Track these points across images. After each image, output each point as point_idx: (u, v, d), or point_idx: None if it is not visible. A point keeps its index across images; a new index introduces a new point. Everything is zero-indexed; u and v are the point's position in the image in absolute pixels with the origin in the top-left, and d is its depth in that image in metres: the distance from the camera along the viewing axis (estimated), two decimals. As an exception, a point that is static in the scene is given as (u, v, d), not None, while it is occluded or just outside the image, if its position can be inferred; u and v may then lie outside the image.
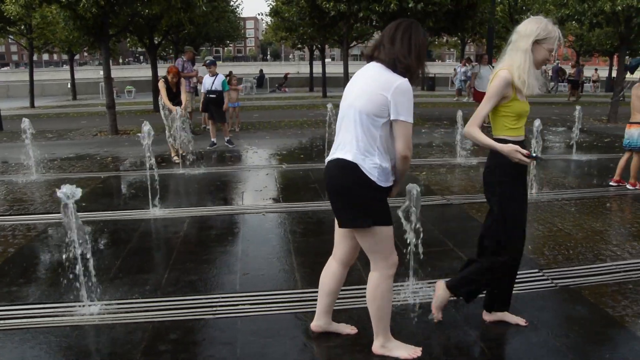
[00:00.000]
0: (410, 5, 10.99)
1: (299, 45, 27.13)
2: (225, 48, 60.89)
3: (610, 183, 7.58)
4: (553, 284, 4.31)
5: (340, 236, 3.25)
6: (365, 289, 3.17)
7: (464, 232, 5.64)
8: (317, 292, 4.08)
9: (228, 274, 4.50)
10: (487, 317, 3.66)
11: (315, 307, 3.51)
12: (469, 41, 28.49)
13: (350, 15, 12.23)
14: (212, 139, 10.59)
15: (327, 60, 30.48)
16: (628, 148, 7.34)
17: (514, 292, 3.97)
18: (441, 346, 3.36)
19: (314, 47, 25.82)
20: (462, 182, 7.90)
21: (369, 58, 2.98)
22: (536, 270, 4.54)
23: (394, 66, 2.84)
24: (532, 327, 3.59)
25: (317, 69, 27.04)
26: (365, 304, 3.17)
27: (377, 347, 3.23)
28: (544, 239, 5.43)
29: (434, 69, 42.81)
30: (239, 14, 27.85)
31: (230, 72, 26.18)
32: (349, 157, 2.90)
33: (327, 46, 28.10)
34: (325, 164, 3.09)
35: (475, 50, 55.70)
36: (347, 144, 2.93)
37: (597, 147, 11.22)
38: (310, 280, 4.35)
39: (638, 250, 5.11)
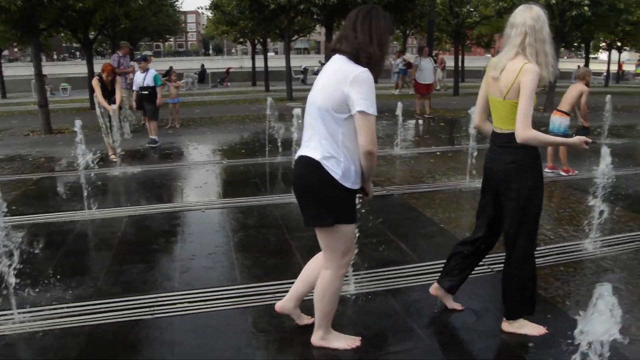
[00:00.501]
0: (350, -2, 11.05)
1: (241, 39, 26.86)
2: (166, 43, 59.76)
3: (545, 170, 7.85)
4: (489, 269, 4.42)
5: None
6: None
7: (404, 222, 5.72)
8: (257, 286, 4.09)
9: (167, 273, 4.40)
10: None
11: (256, 302, 3.52)
12: (410, 34, 28.95)
13: (290, 8, 12.17)
14: (152, 136, 10.33)
15: (270, 54, 30.36)
16: (551, 134, 7.63)
17: (473, 276, 4.06)
18: (380, 335, 3.39)
19: (256, 41, 25.60)
20: (402, 173, 8.01)
21: (333, 51, 2.87)
22: (498, 254, 4.63)
23: (357, 57, 2.74)
24: (471, 312, 3.68)
25: (260, 63, 26.83)
26: (307, 296, 3.17)
27: (316, 339, 3.23)
28: (481, 226, 5.55)
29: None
30: (178, 7, 27.28)
31: (171, 68, 25.67)
32: (313, 154, 2.84)
33: (269, 40, 27.95)
34: (294, 160, 3.04)
35: (418, 43, 56.52)
36: (312, 142, 2.87)
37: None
38: (251, 275, 4.32)
39: (570, 234, 5.32)
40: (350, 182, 2.83)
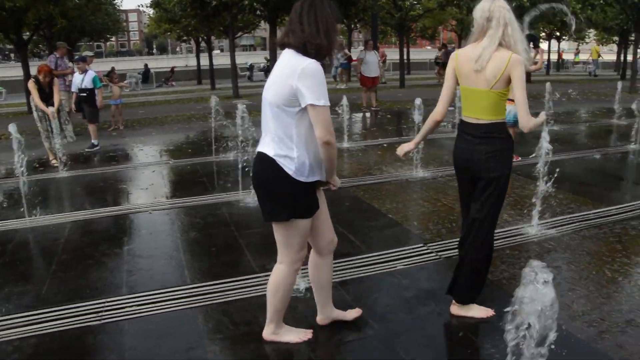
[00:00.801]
0: (292, -7, 10.98)
1: (185, 38, 26.41)
2: (107, 43, 58.10)
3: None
4: (437, 256, 4.53)
5: None
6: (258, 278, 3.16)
7: (352, 214, 5.78)
8: (207, 285, 4.06)
9: (114, 277, 4.31)
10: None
11: (207, 301, 3.54)
12: (355, 28, 29.13)
13: (233, 5, 12.05)
14: (92, 140, 10.02)
15: (216, 51, 30.02)
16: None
17: (401, 267, 4.16)
18: (332, 326, 3.42)
19: (200, 39, 25.24)
20: (350, 165, 8.08)
21: (281, 46, 2.84)
22: (421, 245, 4.75)
23: (305, 50, 2.71)
24: (419, 298, 3.77)
25: (205, 61, 26.45)
26: (257, 292, 3.17)
27: (268, 334, 3.24)
28: (429, 214, 5.69)
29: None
30: (118, 5, 26.59)
31: (112, 68, 25.05)
32: (267, 150, 2.84)
33: (213, 37, 27.59)
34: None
35: (363, 37, 57.03)
36: (267, 137, 2.87)
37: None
38: (200, 275, 4.28)
39: (514, 218, 5.50)
40: (305, 176, 2.82)
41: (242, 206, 6.09)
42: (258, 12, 12.73)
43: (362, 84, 14.64)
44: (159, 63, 49.24)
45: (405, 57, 26.34)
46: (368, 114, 13.88)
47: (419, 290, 3.90)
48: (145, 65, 31.67)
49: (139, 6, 24.69)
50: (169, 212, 6.01)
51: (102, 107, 10.52)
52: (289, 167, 2.79)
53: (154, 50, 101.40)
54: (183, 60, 51.03)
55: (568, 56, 46.11)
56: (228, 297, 3.86)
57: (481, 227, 3.31)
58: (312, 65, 2.67)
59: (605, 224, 5.28)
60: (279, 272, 3.08)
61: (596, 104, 16.25)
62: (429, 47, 50.65)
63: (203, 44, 27.37)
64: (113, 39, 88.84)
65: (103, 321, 3.58)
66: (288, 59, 2.77)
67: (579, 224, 5.28)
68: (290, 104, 2.72)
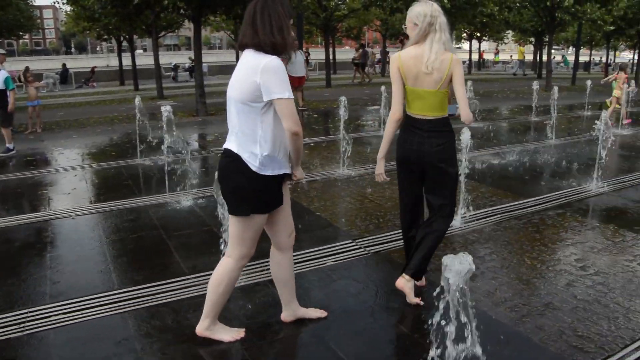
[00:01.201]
0: (216, -7, 10.92)
1: (105, 37, 25.50)
2: (20, 40, 55.11)
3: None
4: (366, 252, 4.65)
5: (267, 225, 3.20)
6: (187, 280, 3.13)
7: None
8: (135, 289, 3.99)
9: (36, 286, 4.13)
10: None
11: (135, 305, 3.49)
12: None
13: (155, 3, 11.79)
14: (7, 145, 9.51)
15: (139, 51, 29.13)
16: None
17: (331, 263, 4.24)
18: (264, 325, 3.47)
19: (122, 38, 24.45)
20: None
21: (240, 46, 2.94)
22: (350, 241, 4.86)
23: (262, 48, 2.80)
24: (349, 292, 3.86)
25: (128, 61, 25.65)
26: (187, 294, 3.14)
27: (202, 329, 3.25)
28: (357, 211, 5.81)
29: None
30: (31, 1, 25.30)
31: (27, 68, 23.77)
32: (232, 147, 2.92)
33: (136, 36, 26.82)
34: None
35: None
36: (232, 134, 2.95)
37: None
38: (128, 279, 4.20)
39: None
40: (271, 170, 2.91)
41: (170, 208, 6.00)
42: (182, 11, 12.45)
43: (288, 84, 14.65)
44: (78, 63, 47.31)
45: (331, 57, 26.62)
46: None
47: (348, 284, 4.00)
48: (64, 65, 30.30)
49: (54, 2, 23.41)
50: (93, 216, 5.82)
51: (13, 110, 9.86)
52: (253, 163, 2.86)
53: (72, 49, 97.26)
54: (104, 60, 49.31)
55: (488, 56, 48.12)
56: (157, 300, 3.81)
57: (448, 209, 3.61)
58: (273, 61, 2.77)
59: (524, 215, 5.60)
60: (225, 265, 3.13)
61: (515, 102, 17.09)
62: (347, 47, 51.21)
63: (125, 43, 26.56)
64: (26, 36, 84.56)
65: (26, 332, 3.45)
66: (249, 58, 2.85)
67: (500, 216, 5.57)
68: (255, 100, 2.80)
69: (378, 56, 34.34)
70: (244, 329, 3.34)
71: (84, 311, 3.69)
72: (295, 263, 4.32)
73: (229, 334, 3.27)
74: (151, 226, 5.42)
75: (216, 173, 3.11)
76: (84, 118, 13.93)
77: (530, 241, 4.87)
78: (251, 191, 2.93)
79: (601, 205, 6.06)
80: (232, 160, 2.92)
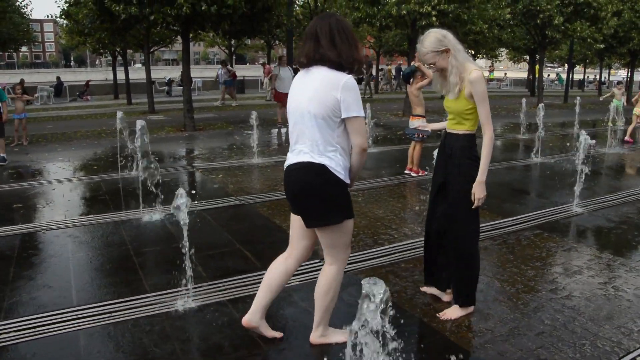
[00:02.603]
0: (203, 8, 10.88)
1: (101, 51, 25.51)
2: (21, 54, 55.36)
3: (405, 171, 8.29)
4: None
5: (299, 236, 3.32)
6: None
7: (251, 231, 5.74)
8: (94, 307, 3.87)
9: (-8, 304, 4.03)
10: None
11: (92, 323, 3.42)
12: (275, 43, 29.24)
13: (143, 19, 11.77)
14: (1, 154, 9.47)
15: (137, 65, 29.15)
16: (410, 138, 8.12)
17: (296, 283, 4.14)
18: (218, 346, 3.36)
19: (116, 52, 24.46)
20: (257, 182, 8.04)
21: (313, 62, 2.96)
22: (317, 260, 4.74)
23: (341, 66, 2.91)
24: (308, 313, 3.74)
25: (123, 75, 25.59)
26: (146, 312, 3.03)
27: (316, 337, 3.33)
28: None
29: (244, 71, 43.23)
30: (27, 15, 25.31)
31: (21, 81, 23.78)
32: (311, 159, 2.97)
33: (132, 51, 26.82)
34: (285, 170, 3.14)
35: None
36: (308, 148, 2.99)
37: (390, 140, 12.19)
38: (89, 296, 4.09)
39: (414, 232, 5.61)
40: (347, 178, 3.05)
41: (141, 224, 5.90)
42: (170, 26, 12.44)
43: (276, 100, 14.67)
44: (76, 76, 47.46)
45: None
46: (284, 130, 13.90)
47: (309, 305, 3.88)
48: (58, 78, 30.30)
49: (47, 15, 23.37)
50: (65, 231, 5.72)
51: (6, 121, 9.92)
52: (339, 171, 2.97)
53: (72, 63, 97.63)
54: (103, 73, 49.42)
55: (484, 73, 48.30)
56: (116, 319, 3.71)
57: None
58: (351, 80, 2.92)
59: (499, 236, 5.51)
60: (330, 273, 3.18)
61: (505, 119, 17.07)
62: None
63: (121, 58, 26.58)
64: (25, 50, 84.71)
65: (-26, 351, 3.34)
66: (324, 73, 2.93)
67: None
68: (335, 115, 2.90)
69: (393, 72, 34.66)
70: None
71: (37, 329, 3.59)
72: (259, 282, 4.24)
73: (342, 335, 3.30)
74: (120, 242, 5.32)
75: (288, 187, 3.13)
76: (72, 131, 13.87)
77: (503, 263, 4.77)
78: (341, 197, 3.04)
79: (580, 225, 5.98)
80: (317, 170, 2.96)
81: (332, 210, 3.04)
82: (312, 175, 2.99)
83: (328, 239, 3.13)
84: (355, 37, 3.02)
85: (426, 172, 8.21)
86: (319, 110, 2.91)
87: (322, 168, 2.96)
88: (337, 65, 2.92)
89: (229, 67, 22.94)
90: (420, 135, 3.91)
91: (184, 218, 3.82)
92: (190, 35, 13.72)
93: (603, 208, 6.60)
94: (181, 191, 3.81)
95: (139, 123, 6.19)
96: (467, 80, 3.41)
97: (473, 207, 3.52)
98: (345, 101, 2.87)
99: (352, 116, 2.90)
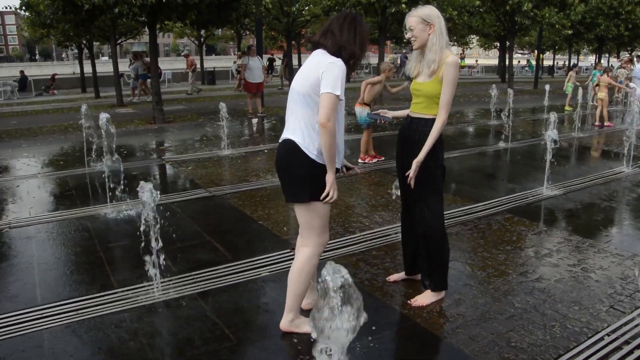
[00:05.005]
0: (169, -2, 10.67)
1: (66, 43, 24.90)
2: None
3: (359, 160, 8.26)
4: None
5: None
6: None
7: (222, 222, 5.66)
8: (61, 304, 3.76)
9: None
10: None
11: (57, 321, 3.35)
12: (244, 34, 28.93)
13: (107, 9, 11.48)
14: None
15: (104, 58, 28.53)
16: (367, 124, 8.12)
17: (266, 274, 4.08)
18: (186, 339, 3.29)
19: (82, 45, 23.91)
20: (228, 173, 7.93)
21: (315, 45, 3.08)
22: (288, 250, 4.69)
23: (339, 53, 2.98)
24: (278, 304, 3.67)
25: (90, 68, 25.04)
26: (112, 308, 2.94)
27: (286, 324, 3.27)
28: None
29: (214, 62, 42.72)
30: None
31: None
32: (290, 135, 3.04)
33: (97, 43, 26.26)
34: None
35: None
36: (291, 124, 3.07)
37: (356, 129, 12.16)
38: (53, 294, 3.97)
39: (384, 219, 5.59)
40: (322, 160, 3.00)
41: (108, 219, 5.76)
42: (136, 17, 12.15)
43: (246, 90, 14.52)
44: (42, 70, 46.34)
45: (296, 62, 26.53)
46: (255, 120, 13.78)
47: (279, 296, 3.82)
48: (22, 72, 29.51)
49: (5, 7, 22.59)
50: (28, 228, 5.55)
51: None
52: (311, 151, 2.97)
53: (37, 56, 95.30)
54: (70, 67, 48.26)
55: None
56: (82, 316, 3.60)
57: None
58: (338, 62, 2.95)
59: (470, 220, 5.52)
60: (303, 255, 3.16)
61: (476, 105, 17.20)
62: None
63: (87, 50, 25.97)
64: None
65: None
66: (319, 57, 3.01)
67: (447, 221, 5.43)
68: (315, 92, 2.94)
69: (398, 61, 34.38)
70: None
71: (1, 329, 3.47)
72: (229, 274, 4.23)
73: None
74: (86, 237, 5.19)
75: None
76: (37, 127, 13.51)
77: (474, 247, 4.78)
78: (309, 177, 3.02)
79: (550, 208, 6.04)
80: (291, 148, 3.03)
81: (298, 188, 3.07)
82: (285, 151, 3.09)
83: (301, 217, 3.15)
84: (364, 37, 3.09)
85: (383, 158, 8.24)
86: (302, 88, 3.01)
87: (293, 145, 3.02)
88: (334, 51, 2.99)
89: (144, 59, 21.70)
90: (381, 121, 3.84)
91: (148, 211, 3.72)
92: (158, 26, 13.45)
93: (573, 191, 6.67)
94: (144, 183, 3.70)
95: (102, 116, 6.01)
96: (444, 63, 3.39)
97: (407, 182, 3.51)
98: (324, 77, 2.90)
99: (324, 91, 2.89)
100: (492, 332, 3.33)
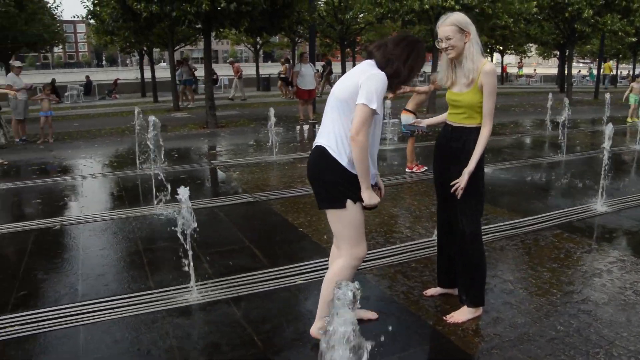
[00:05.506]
0: (222, 6, 10.85)
1: (128, 50, 25.82)
2: (55, 54, 56.38)
3: (407, 170, 8.13)
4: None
5: None
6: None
7: (263, 228, 5.68)
8: (99, 302, 3.87)
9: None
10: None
11: (95, 318, 3.37)
12: (299, 41, 29.16)
13: (165, 17, 11.82)
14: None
15: (164, 64, 29.38)
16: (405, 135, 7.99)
17: (301, 282, 4.05)
18: (213, 345, 3.29)
19: (143, 51, 24.73)
20: (274, 179, 7.97)
21: (369, 54, 3.06)
22: (326, 259, 4.62)
23: (385, 65, 2.93)
24: (310, 313, 3.64)
25: (158, 73, 25.86)
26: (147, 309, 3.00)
27: (315, 331, 3.27)
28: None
29: (269, 69, 43.23)
30: (58, 16, 25.69)
31: (53, 80, 24.26)
32: (322, 141, 2.99)
33: (158, 49, 27.08)
34: None
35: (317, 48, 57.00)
36: (325, 129, 3.02)
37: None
38: (91, 292, 4.09)
39: (428, 230, 5.46)
40: (353, 169, 2.93)
41: (153, 220, 5.89)
42: (192, 24, 12.46)
43: (298, 97, 14.60)
44: (108, 75, 48.05)
45: (347, 70, 26.39)
46: (306, 127, 13.84)
47: (312, 304, 3.78)
48: (87, 77, 30.84)
49: (74, 16, 23.71)
50: (78, 226, 5.74)
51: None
52: (342, 159, 2.92)
53: (104, 62, 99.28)
54: (133, 72, 49.93)
55: (512, 69, 47.46)
56: (118, 314, 3.69)
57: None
58: (381, 75, 2.89)
59: (517, 235, 5.32)
60: (336, 265, 3.13)
61: (532, 116, 16.70)
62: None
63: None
64: (60, 50, 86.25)
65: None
66: (365, 65, 2.98)
67: (493, 235, 5.29)
68: (352, 99, 2.87)
69: None
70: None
71: (41, 322, 3.60)
72: (265, 280, 4.24)
73: None
74: (130, 238, 5.31)
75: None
76: (97, 129, 14.04)
77: (518, 264, 4.60)
78: (338, 184, 2.97)
79: (603, 225, 5.74)
80: (321, 153, 2.98)
81: (324, 195, 3.04)
82: (317, 157, 3.03)
83: (332, 225, 3.11)
84: (417, 64, 3.02)
85: (426, 168, 8.07)
86: (341, 93, 2.95)
87: (323, 151, 2.97)
88: (383, 64, 2.95)
89: (190, 64, 22.06)
90: (419, 132, 3.78)
91: (186, 215, 3.77)
92: (213, 33, 13.73)
93: (630, 208, 6.33)
94: (183, 189, 3.75)
95: (151, 120, 6.17)
96: (482, 72, 3.29)
97: (455, 192, 3.40)
98: (363, 88, 2.83)
99: (359, 102, 2.83)
100: (530, 355, 3.17)
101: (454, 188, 3.38)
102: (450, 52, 3.33)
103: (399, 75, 2.97)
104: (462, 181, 3.36)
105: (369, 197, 2.97)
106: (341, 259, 3.10)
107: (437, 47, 3.34)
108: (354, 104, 2.86)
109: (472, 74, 3.31)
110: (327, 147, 2.96)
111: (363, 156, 2.86)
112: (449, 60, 3.40)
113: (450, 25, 3.29)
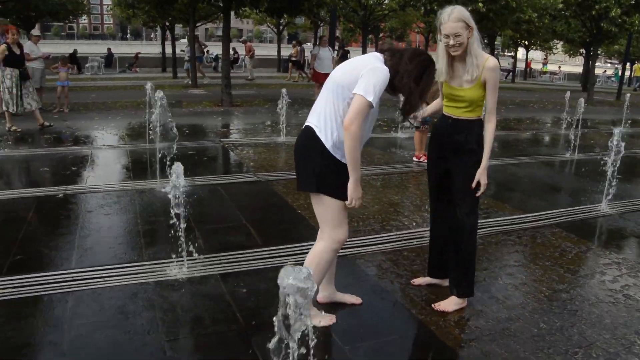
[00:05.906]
0: (242, -16, 10.87)
1: (151, 24, 25.91)
2: (80, 25, 56.69)
3: (414, 159, 8.10)
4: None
5: None
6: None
7: (262, 207, 5.72)
8: (92, 270, 3.95)
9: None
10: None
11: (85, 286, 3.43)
12: (321, 24, 29.03)
13: (185, -8, 11.86)
14: None
15: (184, 40, 29.48)
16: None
17: (298, 262, 4.09)
18: (197, 319, 3.35)
19: (165, 27, 24.82)
20: (280, 160, 7.99)
21: (380, 51, 3.03)
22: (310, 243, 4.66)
23: (393, 77, 2.89)
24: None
25: (179, 49, 25.93)
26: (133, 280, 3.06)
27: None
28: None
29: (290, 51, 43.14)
30: (83, -14, 25.87)
31: (75, 51, 24.46)
32: (312, 121, 2.99)
33: (180, 26, 27.13)
34: None
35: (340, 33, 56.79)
36: (316, 108, 3.01)
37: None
38: (85, 260, 4.16)
39: (425, 220, 5.44)
40: (341, 154, 2.92)
41: (155, 194, 5.95)
42: (214, 2, 12.47)
43: (314, 80, 14.56)
44: (132, 48, 48.26)
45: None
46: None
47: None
48: (109, 49, 31.03)
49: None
50: (80, 196, 5.83)
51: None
52: (327, 142, 2.90)
53: (128, 35, 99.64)
54: (156, 47, 50.04)
55: (536, 65, 46.79)
56: (106, 283, 3.77)
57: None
58: (384, 69, 2.85)
59: (515, 231, 5.29)
60: (316, 247, 3.14)
61: (550, 113, 16.49)
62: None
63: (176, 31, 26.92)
64: (85, 20, 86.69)
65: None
66: (372, 57, 2.95)
67: (490, 229, 5.28)
68: (350, 88, 2.84)
69: None
70: (334, 315, 3.35)
71: (30, 287, 3.67)
72: (256, 259, 4.27)
73: (322, 319, 3.26)
74: (130, 210, 5.39)
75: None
76: (113, 101, 14.15)
77: (511, 259, 4.58)
78: (320, 168, 2.95)
79: (605, 226, 5.69)
80: (308, 134, 2.98)
81: (308, 177, 3.02)
82: (303, 137, 3.03)
83: (314, 207, 3.10)
84: (426, 86, 2.97)
85: None
86: (340, 79, 2.91)
87: (311, 132, 2.96)
88: (392, 66, 2.91)
89: (200, 41, 22.22)
90: (423, 127, 3.78)
91: (178, 191, 3.83)
92: (232, 12, 13.72)
93: (635, 211, 6.25)
94: (178, 165, 3.81)
95: (158, 94, 6.20)
96: (486, 67, 3.26)
97: (478, 194, 3.43)
98: (363, 79, 2.80)
99: (357, 92, 2.80)
100: (508, 350, 3.17)
101: (473, 186, 3.41)
102: (456, 50, 3.24)
103: (403, 89, 2.94)
104: (482, 179, 3.40)
105: (354, 189, 2.94)
106: (322, 241, 3.11)
107: (444, 44, 3.24)
108: (350, 92, 2.84)
109: (475, 70, 3.27)
110: (314, 127, 2.96)
111: (354, 146, 2.83)
112: (448, 54, 3.32)
113: (458, 21, 3.18)
